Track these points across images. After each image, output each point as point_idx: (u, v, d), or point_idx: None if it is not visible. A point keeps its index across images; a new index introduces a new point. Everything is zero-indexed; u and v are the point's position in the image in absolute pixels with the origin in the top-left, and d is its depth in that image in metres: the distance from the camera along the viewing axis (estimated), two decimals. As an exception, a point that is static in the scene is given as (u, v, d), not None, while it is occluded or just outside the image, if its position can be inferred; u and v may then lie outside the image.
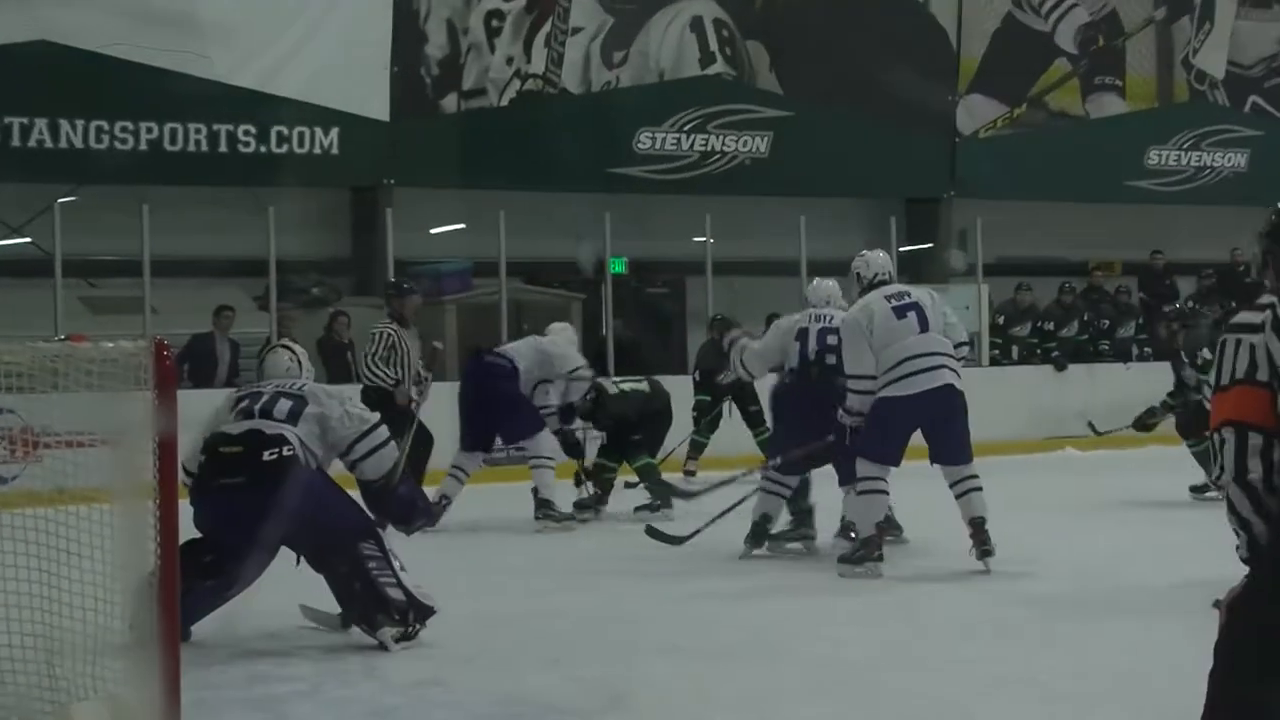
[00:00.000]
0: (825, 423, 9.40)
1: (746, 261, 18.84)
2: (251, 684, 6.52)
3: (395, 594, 6.89)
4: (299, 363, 7.63)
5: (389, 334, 11.07)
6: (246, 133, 16.56)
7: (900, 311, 8.94)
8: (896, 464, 8.70)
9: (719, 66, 19.04)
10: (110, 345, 5.50)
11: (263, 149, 16.70)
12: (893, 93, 19.76)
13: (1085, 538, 10.39)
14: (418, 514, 7.70)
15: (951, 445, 8.79)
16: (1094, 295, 19.12)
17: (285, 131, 16.70)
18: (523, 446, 11.66)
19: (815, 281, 10.58)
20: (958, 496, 8.55)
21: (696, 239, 17.46)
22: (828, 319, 9.69)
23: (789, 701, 5.84)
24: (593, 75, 18.47)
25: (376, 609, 6.90)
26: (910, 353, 8.54)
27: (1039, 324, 18.47)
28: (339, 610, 7.05)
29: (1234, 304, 11.70)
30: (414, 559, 7.39)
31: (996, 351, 18.22)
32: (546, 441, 11.40)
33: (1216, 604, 3.85)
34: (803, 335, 9.80)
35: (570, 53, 18.23)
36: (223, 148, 16.52)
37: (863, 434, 8.56)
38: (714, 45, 18.92)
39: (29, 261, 15.62)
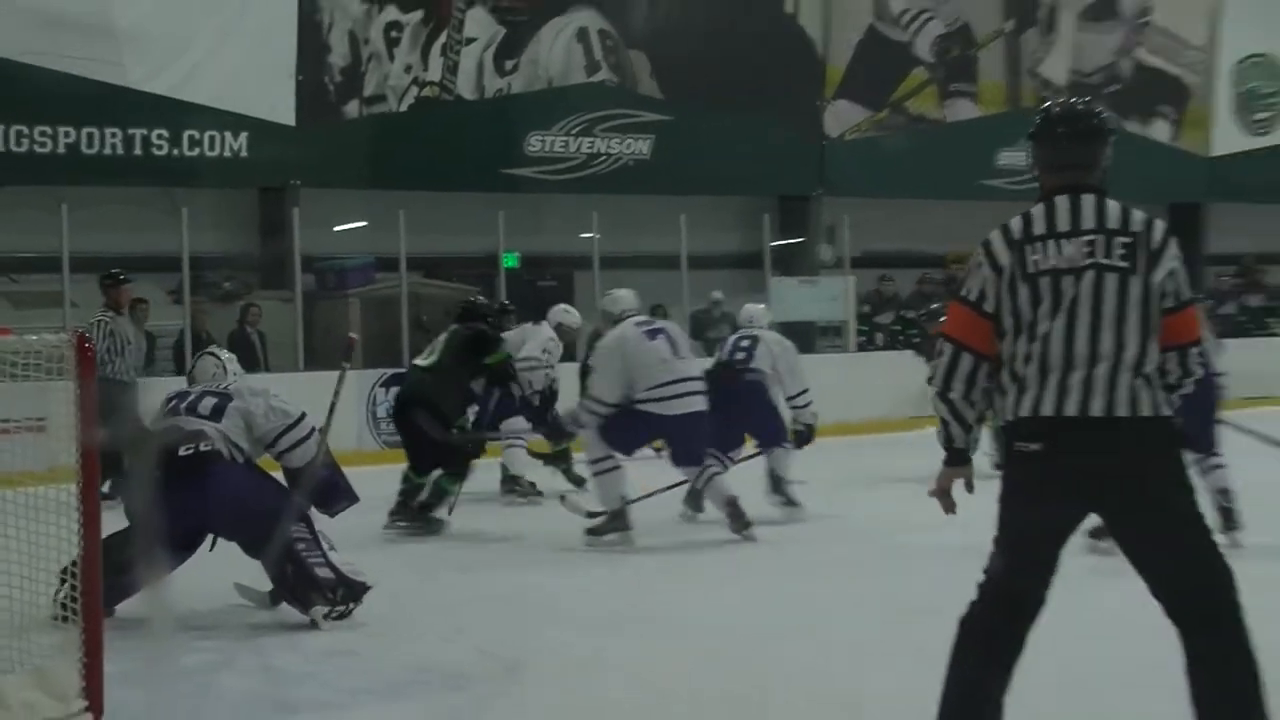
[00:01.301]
0: (735, 414, 10.17)
1: (631, 256, 18.80)
2: (175, 655, 6.46)
3: (324, 573, 6.95)
4: (224, 367, 7.76)
5: (104, 322, 11.22)
6: (160, 136, 16.51)
7: (651, 334, 9.53)
8: (629, 454, 9.36)
9: (604, 74, 19.23)
10: (34, 338, 5.66)
11: (175, 152, 16.64)
12: (765, 98, 20.03)
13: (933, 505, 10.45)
14: (340, 495, 7.56)
15: (688, 450, 9.43)
16: (953, 286, 19.38)
17: (197, 135, 16.68)
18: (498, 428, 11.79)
19: (746, 306, 11.35)
20: (695, 488, 9.50)
21: (584, 235, 17.74)
22: (747, 332, 10.67)
23: (681, 670, 5.89)
24: (486, 82, 18.58)
25: (308, 588, 6.95)
26: (671, 377, 9.14)
27: (901, 312, 18.86)
28: (270, 588, 7.12)
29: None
30: (363, 537, 7.60)
31: (863, 338, 18.73)
32: (518, 422, 11.60)
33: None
34: (722, 343, 10.72)
35: (465, 61, 18.33)
36: (137, 151, 16.48)
37: (613, 421, 9.05)
38: (599, 54, 19.08)
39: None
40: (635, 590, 7.84)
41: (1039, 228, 4.21)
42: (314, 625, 6.82)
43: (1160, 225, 4.23)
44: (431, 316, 17.25)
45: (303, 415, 7.32)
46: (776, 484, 10.47)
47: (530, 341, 11.73)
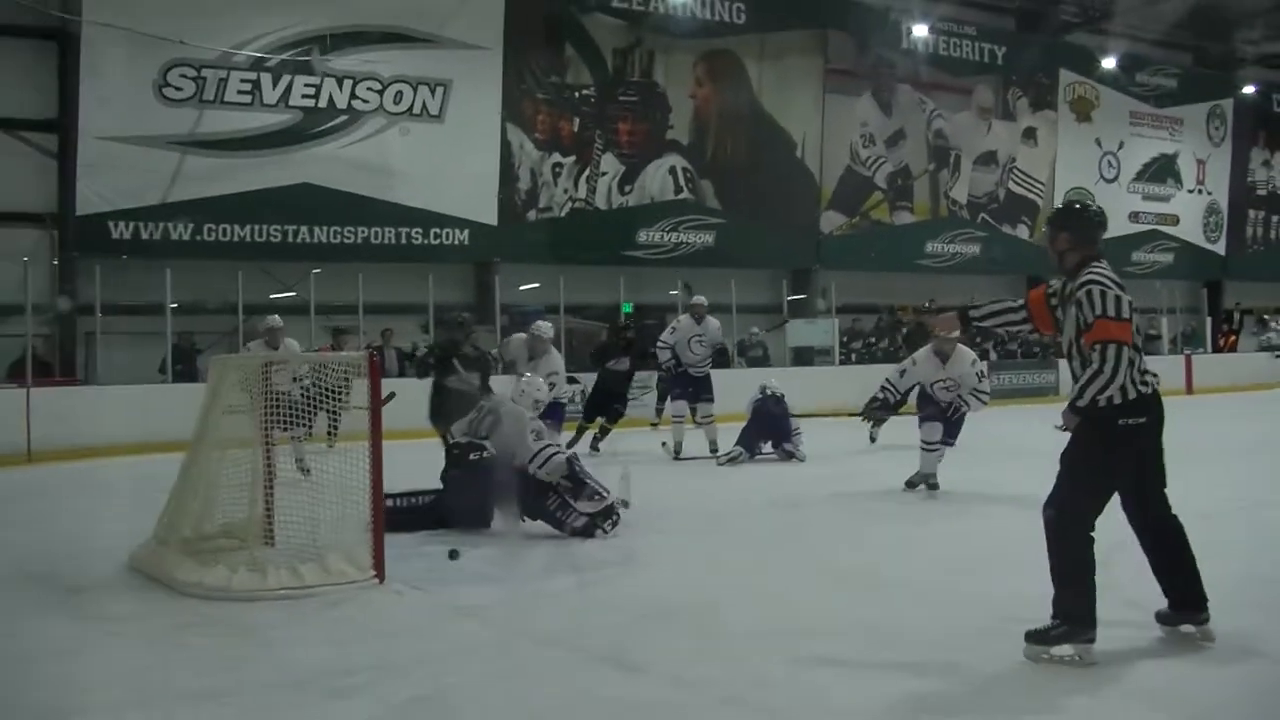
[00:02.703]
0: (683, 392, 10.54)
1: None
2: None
3: (579, 521, 6.35)
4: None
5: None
6: (417, 232, 16.29)
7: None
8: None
9: (685, 194, 18.69)
10: (344, 353, 6.10)
11: (425, 242, 16.41)
12: (783, 208, 19.47)
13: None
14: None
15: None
16: (896, 323, 19.09)
17: (439, 231, 16.49)
18: None
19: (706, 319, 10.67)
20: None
21: (672, 292, 17.27)
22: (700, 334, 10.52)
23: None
24: (613, 199, 18.09)
25: (581, 533, 6.28)
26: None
27: (865, 340, 18.98)
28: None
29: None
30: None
31: (843, 356, 18.40)
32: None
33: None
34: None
35: (600, 186, 17.92)
36: (404, 241, 16.22)
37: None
38: (682, 182, 18.60)
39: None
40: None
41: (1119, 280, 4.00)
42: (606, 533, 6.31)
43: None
44: (579, 344, 17.21)
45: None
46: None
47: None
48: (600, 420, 11.30)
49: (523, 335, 8.98)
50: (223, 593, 5.02)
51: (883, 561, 5.76)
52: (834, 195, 20.21)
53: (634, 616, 4.71)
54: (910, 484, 8.14)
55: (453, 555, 5.88)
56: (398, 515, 6.24)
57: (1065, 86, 22.93)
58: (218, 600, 4.97)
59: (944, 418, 8.11)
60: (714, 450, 10.49)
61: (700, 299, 10.99)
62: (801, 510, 7.52)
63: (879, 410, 8.15)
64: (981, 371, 8.19)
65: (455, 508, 6.58)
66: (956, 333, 5.20)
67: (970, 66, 21.59)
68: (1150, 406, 3.96)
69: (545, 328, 8.90)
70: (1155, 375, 4.05)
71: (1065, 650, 3.90)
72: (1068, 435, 4.02)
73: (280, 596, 4.98)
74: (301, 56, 15.41)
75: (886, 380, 8.20)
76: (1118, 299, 3.90)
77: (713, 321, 10.77)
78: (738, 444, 10.22)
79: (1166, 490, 4.14)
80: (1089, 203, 4.45)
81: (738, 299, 17.18)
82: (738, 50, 18.86)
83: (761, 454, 10.33)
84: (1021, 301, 4.35)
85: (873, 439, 11.45)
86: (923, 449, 8.13)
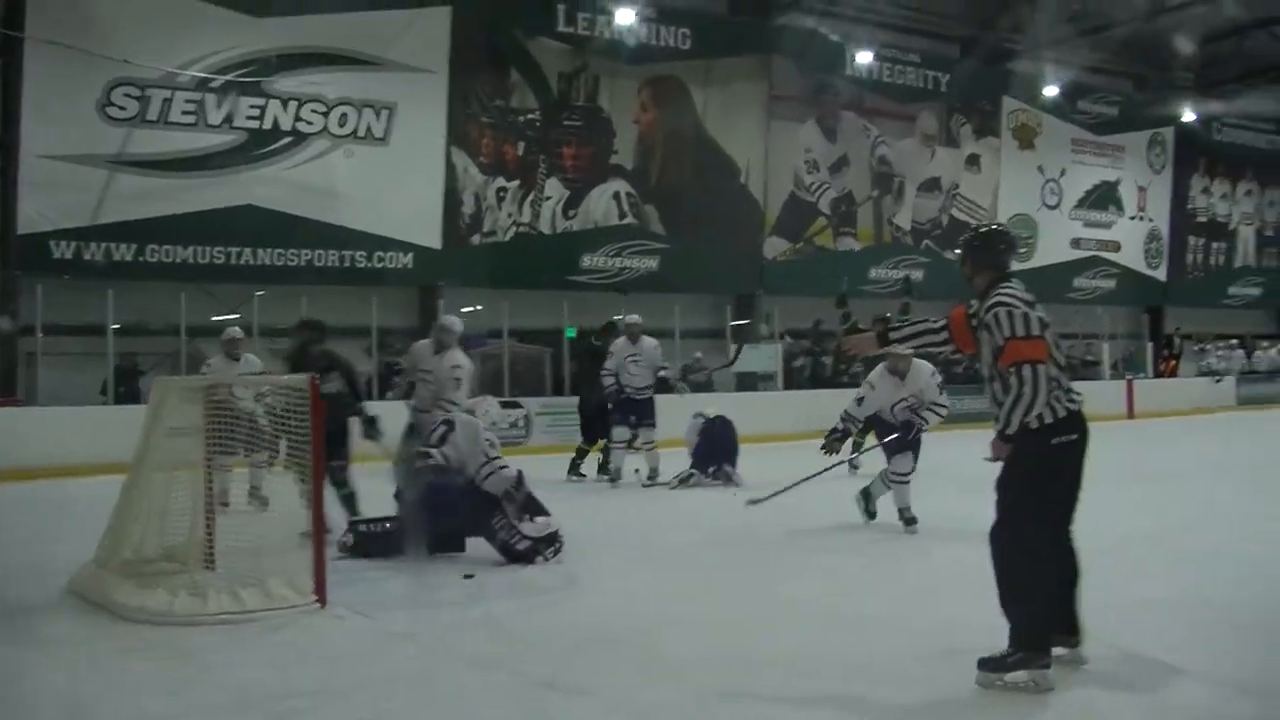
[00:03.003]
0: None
1: (645, 331, 18.14)
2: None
3: (523, 545, 6.49)
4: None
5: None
6: (361, 255, 16.68)
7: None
8: None
9: (629, 219, 19.15)
10: (287, 377, 5.91)
11: (370, 264, 16.80)
12: (728, 234, 20.00)
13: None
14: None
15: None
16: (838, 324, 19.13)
17: (383, 254, 16.89)
18: None
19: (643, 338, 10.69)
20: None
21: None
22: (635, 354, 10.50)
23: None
24: (557, 224, 18.49)
25: (520, 558, 6.44)
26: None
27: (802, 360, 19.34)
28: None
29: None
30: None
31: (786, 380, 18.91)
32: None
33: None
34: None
35: (544, 210, 18.33)
36: (348, 264, 16.61)
37: None
38: (626, 206, 19.09)
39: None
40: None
41: (1030, 299, 4.16)
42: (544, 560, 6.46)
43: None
44: (523, 369, 17.68)
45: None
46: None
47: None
48: (602, 441, 11.21)
49: (425, 340, 8.67)
50: (164, 617, 5.13)
51: (830, 590, 5.87)
52: (778, 221, 20.81)
53: (576, 641, 4.85)
54: (870, 514, 7.96)
55: (468, 576, 6.15)
56: (369, 541, 6.64)
57: (1008, 114, 24.01)
58: (159, 624, 5.08)
59: (906, 443, 7.77)
60: (652, 477, 10.53)
61: (635, 318, 10.98)
62: (748, 536, 7.48)
63: (839, 441, 7.59)
64: (941, 383, 7.90)
65: (413, 530, 6.63)
66: (872, 353, 5.22)
67: (914, 93, 22.46)
68: (1078, 423, 4.09)
69: (454, 322, 8.76)
70: (1080, 394, 4.18)
71: (1020, 677, 4.00)
72: (998, 465, 4.12)
73: (221, 621, 5.10)
74: (247, 78, 15.82)
75: (845, 412, 7.75)
76: (1025, 317, 4.03)
77: (649, 341, 10.73)
78: (693, 466, 10.50)
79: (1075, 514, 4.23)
80: (997, 226, 4.63)
81: (681, 324, 17.77)
82: (683, 76, 19.56)
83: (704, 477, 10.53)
84: (943, 321, 4.44)
85: (855, 466, 10.51)
86: (894, 481, 7.79)
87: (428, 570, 6.41)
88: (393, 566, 6.45)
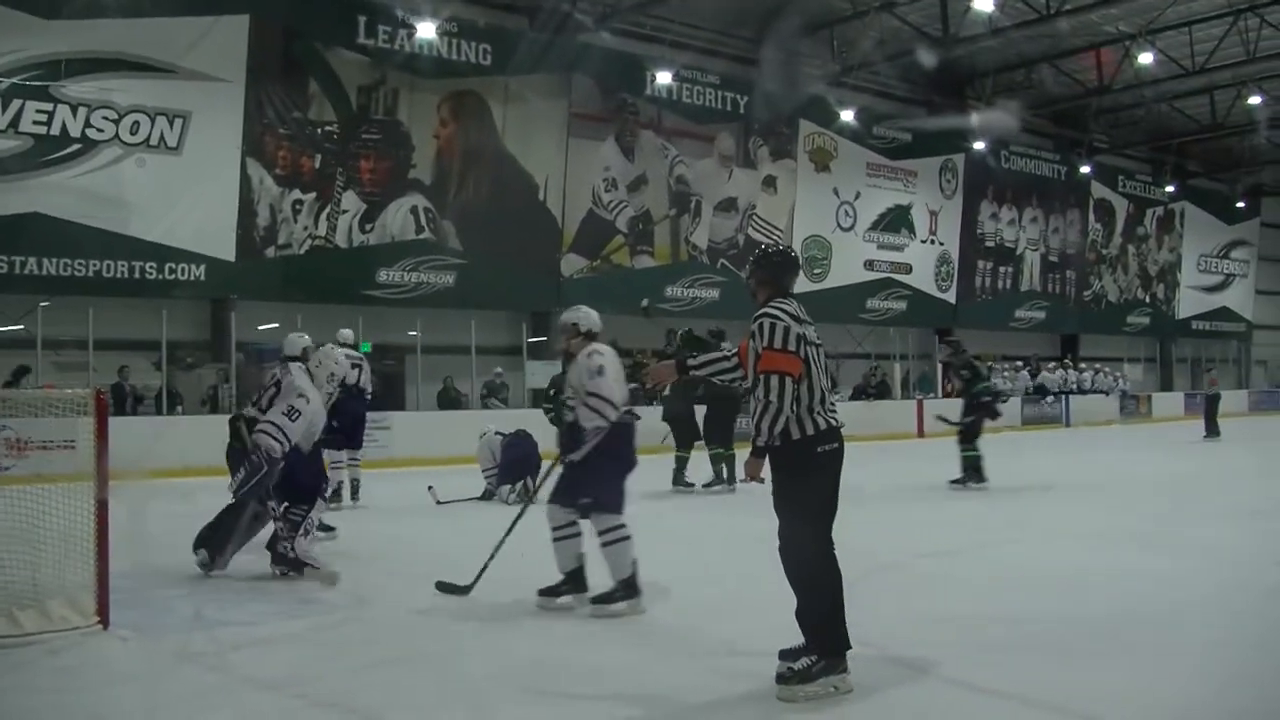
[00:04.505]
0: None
1: (441, 346, 21.42)
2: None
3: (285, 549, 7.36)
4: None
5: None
6: (151, 266, 18.64)
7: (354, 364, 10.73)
8: None
9: (426, 234, 21.63)
10: (69, 391, 6.12)
11: (160, 277, 18.72)
12: (525, 250, 22.65)
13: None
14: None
15: None
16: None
17: (174, 266, 18.86)
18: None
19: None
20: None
21: (411, 333, 20.27)
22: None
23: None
24: (353, 237, 20.87)
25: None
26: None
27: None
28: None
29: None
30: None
31: None
32: None
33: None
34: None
35: (341, 224, 20.71)
36: (138, 275, 18.49)
37: None
38: (424, 221, 21.58)
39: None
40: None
41: (801, 315, 4.73)
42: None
43: None
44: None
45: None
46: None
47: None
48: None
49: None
50: (-61, 642, 5.11)
51: (625, 607, 6.33)
52: (575, 238, 23.84)
53: (368, 661, 5.25)
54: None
55: (467, 590, 6.70)
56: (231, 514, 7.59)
57: (805, 137, 28.50)
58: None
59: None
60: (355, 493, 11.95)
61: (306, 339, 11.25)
62: (541, 555, 7.11)
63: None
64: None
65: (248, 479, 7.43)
66: (672, 380, 5.63)
67: (713, 114, 26.40)
68: (839, 437, 4.64)
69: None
70: (838, 416, 4.76)
71: (823, 685, 4.51)
72: (756, 484, 4.67)
73: (-2, 645, 5.15)
74: (34, 81, 17.62)
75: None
76: (786, 330, 4.58)
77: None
78: (502, 483, 11.95)
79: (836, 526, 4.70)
80: (784, 247, 5.32)
81: (477, 340, 20.57)
82: (482, 91, 22.59)
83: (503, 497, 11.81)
84: (734, 351, 5.05)
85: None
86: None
87: (218, 588, 7.08)
88: (179, 585, 7.09)
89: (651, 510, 9.80)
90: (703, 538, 9.51)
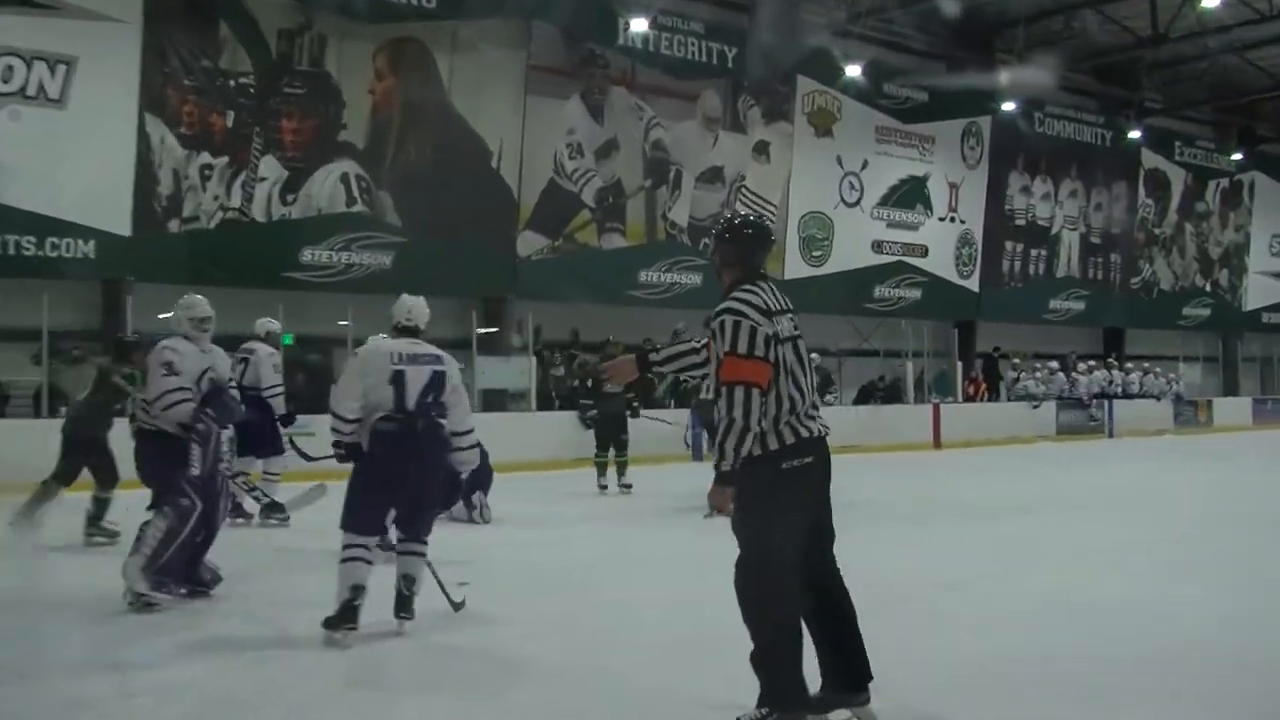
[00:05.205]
0: None
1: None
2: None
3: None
4: None
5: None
6: (29, 241, 17.79)
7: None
8: None
9: (359, 207, 20.94)
10: None
11: (40, 253, 17.87)
12: (475, 226, 21.89)
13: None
14: None
15: None
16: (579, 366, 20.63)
17: (57, 241, 18.04)
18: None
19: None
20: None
21: (341, 323, 19.18)
22: None
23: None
24: (273, 210, 20.13)
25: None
26: None
27: (572, 383, 20.77)
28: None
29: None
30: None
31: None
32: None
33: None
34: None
35: (258, 194, 19.94)
36: (11, 251, 17.68)
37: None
38: (356, 192, 20.86)
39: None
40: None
41: (773, 305, 4.59)
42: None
43: None
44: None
45: None
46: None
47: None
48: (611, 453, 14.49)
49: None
50: None
51: (565, 641, 6.60)
52: (534, 213, 23.02)
53: (280, 706, 5.42)
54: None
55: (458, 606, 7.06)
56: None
57: (804, 96, 27.42)
58: None
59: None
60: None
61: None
62: (474, 576, 7.93)
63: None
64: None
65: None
66: (633, 378, 5.46)
67: (696, 69, 25.30)
68: (817, 448, 4.52)
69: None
70: (823, 422, 4.68)
71: None
72: (719, 516, 4.64)
73: None
74: None
75: None
76: (752, 331, 4.45)
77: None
78: (450, 504, 11.38)
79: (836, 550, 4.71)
80: (752, 217, 5.11)
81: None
82: (426, 40, 21.60)
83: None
84: (703, 343, 4.89)
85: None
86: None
87: (115, 620, 7.02)
88: (67, 620, 7.05)
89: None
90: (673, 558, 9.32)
